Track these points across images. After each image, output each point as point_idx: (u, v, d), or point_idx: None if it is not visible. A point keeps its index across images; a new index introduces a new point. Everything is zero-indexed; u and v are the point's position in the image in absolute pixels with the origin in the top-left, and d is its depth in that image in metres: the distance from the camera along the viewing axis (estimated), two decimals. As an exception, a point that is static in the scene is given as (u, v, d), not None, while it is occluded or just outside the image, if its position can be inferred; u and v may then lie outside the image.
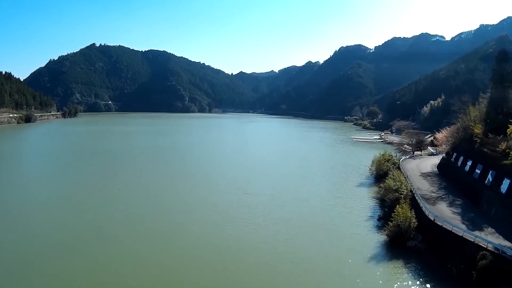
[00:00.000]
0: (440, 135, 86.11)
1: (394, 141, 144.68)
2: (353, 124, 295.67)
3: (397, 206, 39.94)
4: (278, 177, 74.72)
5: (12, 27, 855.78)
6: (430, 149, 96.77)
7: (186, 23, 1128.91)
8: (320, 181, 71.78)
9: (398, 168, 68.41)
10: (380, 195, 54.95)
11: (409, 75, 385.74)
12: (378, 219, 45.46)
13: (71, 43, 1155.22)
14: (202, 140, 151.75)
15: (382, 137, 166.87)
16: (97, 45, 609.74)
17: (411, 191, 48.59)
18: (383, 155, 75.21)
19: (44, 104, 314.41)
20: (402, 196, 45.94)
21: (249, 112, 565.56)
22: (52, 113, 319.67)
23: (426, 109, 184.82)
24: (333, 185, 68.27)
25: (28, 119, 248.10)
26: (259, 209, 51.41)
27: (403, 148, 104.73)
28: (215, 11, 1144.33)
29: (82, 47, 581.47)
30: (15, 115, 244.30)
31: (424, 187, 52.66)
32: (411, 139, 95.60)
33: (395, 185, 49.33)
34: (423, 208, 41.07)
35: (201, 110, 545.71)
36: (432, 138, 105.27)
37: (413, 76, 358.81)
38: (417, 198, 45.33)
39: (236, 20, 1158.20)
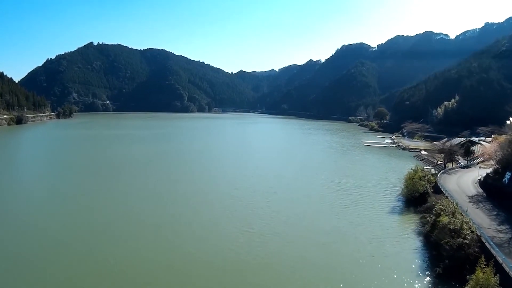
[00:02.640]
0: (490, 148, 71.96)
1: (410, 146, 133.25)
2: (359, 125, 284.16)
3: (477, 270, 27.87)
4: (290, 202, 60.16)
5: (10, 27, 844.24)
6: (461, 160, 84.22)
7: (186, 21, 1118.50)
8: (341, 207, 57.92)
9: (436, 187, 56.58)
10: (426, 231, 42.05)
11: (413, 74, 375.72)
12: (437, 276, 33.52)
13: (69, 42, 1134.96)
14: (201, 147, 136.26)
15: (395, 141, 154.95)
16: (95, 44, 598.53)
17: (475, 233, 36.09)
18: (415, 171, 62.54)
19: (37, 104, 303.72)
20: (467, 241, 33.95)
21: (250, 112, 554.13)
22: (46, 113, 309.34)
23: (439, 111, 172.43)
24: (358, 214, 54.07)
25: (19, 121, 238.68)
26: (263, 265, 37.02)
27: (432, 159, 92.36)
28: (215, 9, 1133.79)
29: (80, 46, 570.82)
30: (6, 116, 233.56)
31: (484, 223, 40.63)
32: (445, 149, 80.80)
33: (452, 224, 36.74)
34: (505, 266, 29.29)
35: (201, 109, 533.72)
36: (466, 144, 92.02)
37: (418, 75, 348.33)
38: (489, 246, 33.09)
39: (236, 19, 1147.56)
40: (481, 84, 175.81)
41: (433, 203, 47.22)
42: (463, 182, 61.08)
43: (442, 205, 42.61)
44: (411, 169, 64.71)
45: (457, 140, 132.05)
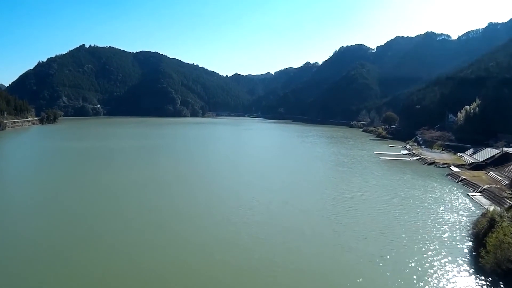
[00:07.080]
0: None
1: (436, 160, 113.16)
2: (362, 130, 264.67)
3: None
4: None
5: (1, 31, 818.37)
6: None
7: (180, 24, 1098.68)
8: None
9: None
10: None
11: (416, 76, 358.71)
12: None
13: (62, 45, 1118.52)
14: (190, 172, 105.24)
15: (413, 152, 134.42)
16: (87, 46, 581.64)
17: None
18: (492, 219, 41.86)
19: (19, 109, 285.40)
20: None
21: (245, 116, 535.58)
22: (28, 119, 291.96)
23: (460, 116, 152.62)
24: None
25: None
26: None
27: (473, 181, 72.63)
28: (210, 12, 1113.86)
29: (71, 49, 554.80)
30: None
31: None
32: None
33: None
34: None
35: (194, 114, 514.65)
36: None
37: (421, 77, 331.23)
38: None
39: (231, 21, 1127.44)
40: (505, 85, 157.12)
41: None
42: None
43: None
44: (491, 219, 41.68)
45: (489, 152, 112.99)
